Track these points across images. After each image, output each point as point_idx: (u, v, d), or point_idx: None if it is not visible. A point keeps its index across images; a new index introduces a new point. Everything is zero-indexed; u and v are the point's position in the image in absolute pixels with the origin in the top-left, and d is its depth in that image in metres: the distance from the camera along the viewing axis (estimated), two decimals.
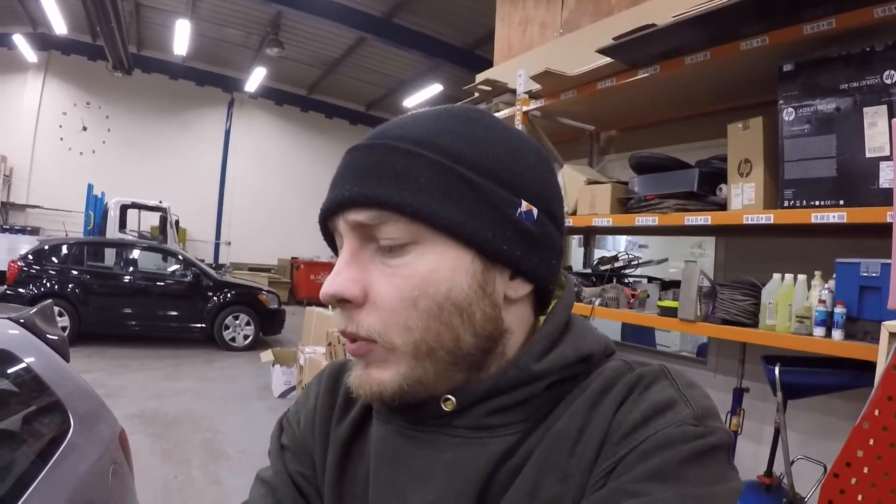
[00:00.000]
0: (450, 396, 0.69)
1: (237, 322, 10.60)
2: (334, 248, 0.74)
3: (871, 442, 1.58)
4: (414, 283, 0.65)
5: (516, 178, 0.69)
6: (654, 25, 2.96)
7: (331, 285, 0.67)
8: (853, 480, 1.55)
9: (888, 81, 2.33)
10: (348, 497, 0.77)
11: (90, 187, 13.78)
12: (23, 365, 2.15)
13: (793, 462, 2.68)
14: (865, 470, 1.55)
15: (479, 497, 0.66)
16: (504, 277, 0.69)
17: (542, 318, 0.75)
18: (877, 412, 1.60)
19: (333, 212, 0.69)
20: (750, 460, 3.24)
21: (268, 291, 11.17)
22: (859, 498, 1.50)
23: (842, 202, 2.46)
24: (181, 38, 14.41)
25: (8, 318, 2.31)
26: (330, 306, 0.73)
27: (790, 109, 2.65)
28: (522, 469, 0.66)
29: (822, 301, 2.48)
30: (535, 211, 0.69)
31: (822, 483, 1.66)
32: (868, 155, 2.39)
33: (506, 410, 0.69)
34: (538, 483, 0.64)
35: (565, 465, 0.64)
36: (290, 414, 0.89)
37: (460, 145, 0.67)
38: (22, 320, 2.34)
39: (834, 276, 2.50)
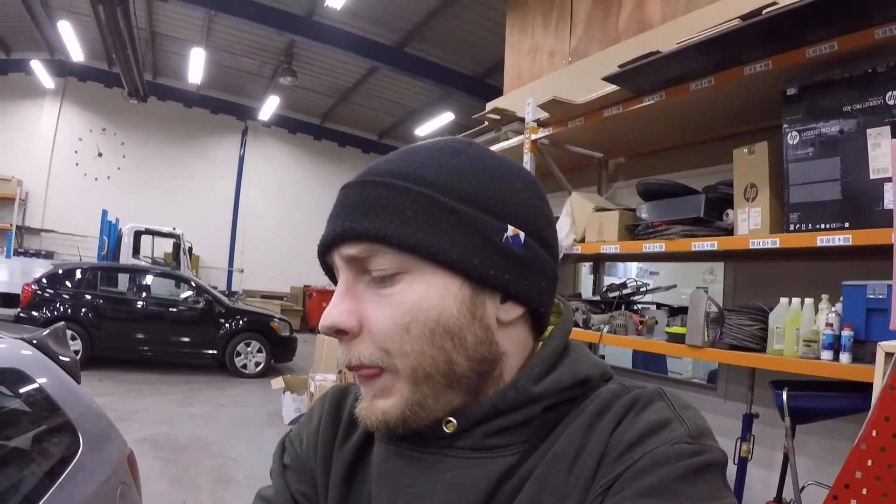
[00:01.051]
0: (451, 418, 0.70)
1: (249, 349, 10.62)
2: (334, 280, 0.76)
3: (870, 463, 1.57)
4: (404, 310, 0.67)
5: (502, 205, 0.71)
6: (658, 52, 2.98)
7: (327, 318, 0.70)
8: (853, 502, 1.54)
9: (891, 102, 2.33)
10: None
11: (104, 213, 13.94)
12: (35, 385, 2.18)
13: (803, 488, 2.65)
14: (864, 491, 1.53)
15: None
16: (494, 301, 0.71)
17: (540, 343, 0.76)
18: (874, 433, 1.59)
19: (329, 247, 0.72)
20: (761, 486, 3.20)
21: (280, 319, 11.20)
22: None
23: (847, 224, 2.45)
24: (196, 66, 14.62)
25: (21, 339, 2.34)
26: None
27: (794, 133, 2.66)
28: (521, 490, 0.67)
29: (829, 324, 2.46)
30: (521, 235, 0.71)
31: None
32: (872, 176, 2.38)
33: (505, 432, 0.70)
34: (537, 503, 0.65)
35: (563, 485, 0.65)
36: (292, 434, 0.90)
37: (445, 177, 0.70)
38: (35, 341, 2.37)
39: (841, 299, 2.49)
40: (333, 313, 0.69)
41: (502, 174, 0.73)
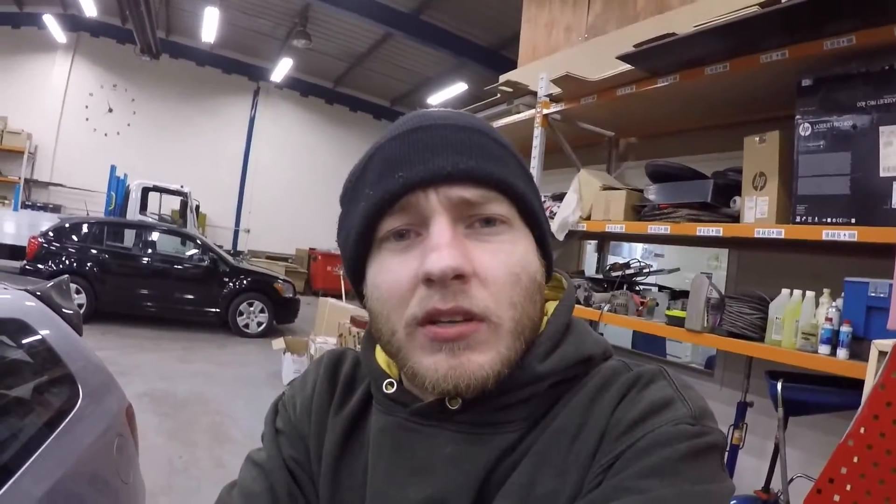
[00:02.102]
0: None
1: (251, 309, 10.68)
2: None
3: (856, 459, 1.58)
4: (516, 259, 0.68)
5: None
6: (674, 35, 2.95)
7: (443, 259, 0.63)
8: (836, 497, 1.55)
9: None
10: (346, 486, 0.77)
11: (113, 168, 13.92)
12: (38, 337, 2.20)
13: (791, 480, 2.66)
14: (848, 487, 1.54)
15: (478, 492, 0.66)
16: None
17: (545, 320, 0.76)
18: (862, 430, 1.60)
19: (427, 184, 0.67)
20: (751, 475, 3.23)
21: (284, 280, 11.24)
22: None
23: (854, 221, 2.44)
24: (209, 25, 14.48)
25: (25, 290, 2.36)
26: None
27: (807, 125, 2.63)
28: (520, 464, 0.67)
29: (828, 319, 2.46)
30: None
31: (805, 499, 1.66)
32: (882, 174, 2.36)
33: (508, 408, 0.70)
34: (535, 477, 0.65)
35: (563, 461, 0.65)
36: (285, 398, 0.88)
37: (504, 142, 0.74)
38: (38, 293, 2.39)
39: (842, 294, 2.49)
40: (455, 255, 0.64)
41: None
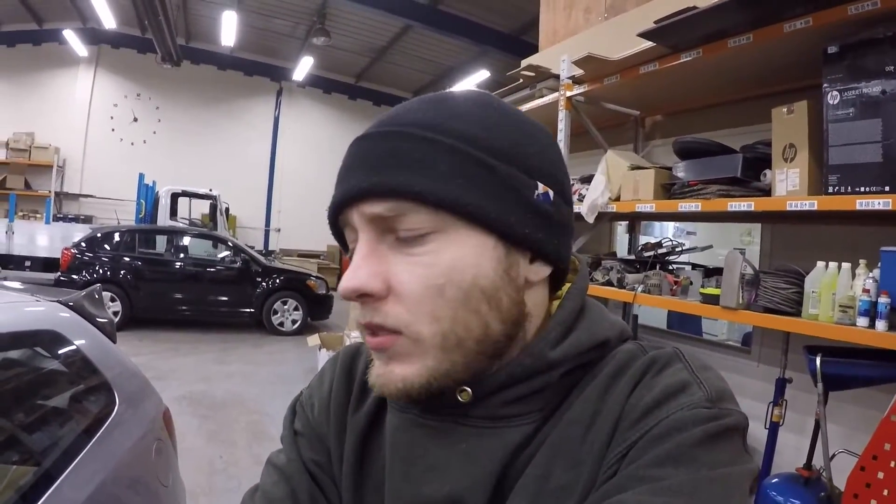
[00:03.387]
0: (466, 388, 0.68)
1: (285, 307, 10.77)
2: (344, 245, 0.73)
3: None
4: (439, 270, 0.63)
5: (531, 161, 0.68)
6: (695, 8, 2.90)
7: (350, 280, 0.65)
8: (880, 474, 1.51)
9: None
10: (368, 486, 0.77)
11: (141, 176, 14.10)
12: (72, 347, 2.23)
13: (833, 456, 2.62)
14: (892, 464, 1.50)
15: (495, 488, 0.65)
16: (525, 261, 0.68)
17: (555, 303, 0.74)
18: None
19: (346, 205, 0.67)
20: (792, 452, 3.18)
21: (316, 277, 11.30)
22: (885, 493, 1.46)
23: (888, 189, 2.38)
24: (228, 29, 14.56)
25: (58, 302, 2.39)
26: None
27: (835, 93, 2.57)
28: (535, 457, 0.66)
29: (866, 290, 2.41)
30: (550, 193, 0.68)
31: (849, 476, 1.62)
32: None
33: (522, 400, 0.68)
34: (550, 470, 0.64)
35: (577, 452, 0.64)
36: (303, 398, 0.88)
37: (476, 129, 0.66)
38: (71, 303, 2.42)
39: (879, 264, 2.43)
40: (358, 276, 0.64)
41: (530, 129, 0.70)
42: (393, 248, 0.66)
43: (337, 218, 0.70)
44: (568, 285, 0.76)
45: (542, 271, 0.70)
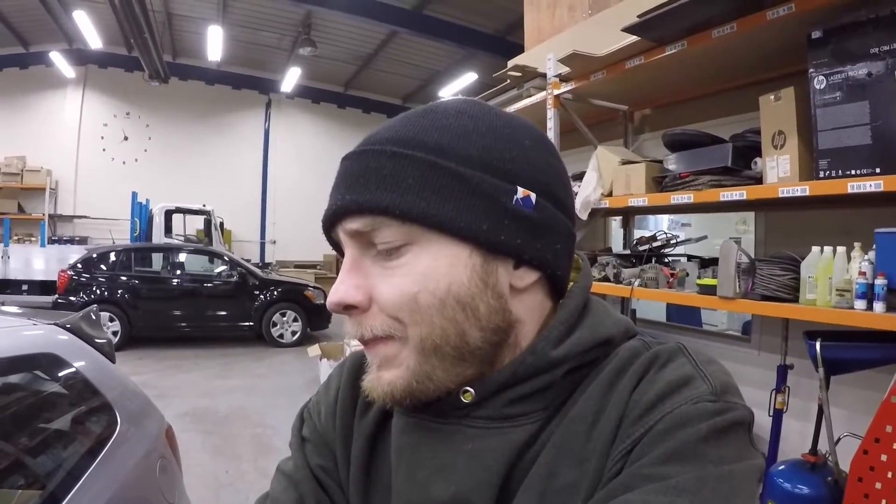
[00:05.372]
0: (468, 388, 0.68)
1: (284, 319, 10.78)
2: (342, 254, 0.74)
3: None
4: (413, 280, 0.65)
5: (509, 165, 0.67)
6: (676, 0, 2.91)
7: (335, 294, 0.68)
8: (883, 457, 1.51)
9: None
10: (375, 489, 0.77)
11: (134, 195, 14.09)
12: (72, 369, 2.22)
13: (838, 440, 2.62)
14: (895, 446, 1.50)
15: (501, 488, 0.65)
16: (507, 267, 0.68)
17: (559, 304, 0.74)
18: None
19: (332, 222, 0.70)
20: (797, 438, 3.19)
21: (314, 287, 11.32)
22: (889, 475, 1.45)
23: (878, 170, 2.38)
24: (214, 44, 14.55)
25: (55, 324, 2.39)
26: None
27: (821, 77, 2.58)
28: (540, 455, 0.66)
29: (862, 273, 2.42)
30: (532, 196, 0.68)
31: (852, 460, 1.62)
32: None
33: (525, 399, 0.68)
34: (555, 468, 0.64)
35: (581, 450, 0.64)
36: (310, 405, 0.89)
37: (447, 139, 0.67)
38: (68, 325, 2.41)
39: (874, 246, 2.44)
40: (341, 289, 0.68)
41: (509, 133, 0.70)
42: (374, 261, 0.68)
43: (330, 233, 0.73)
44: (570, 285, 0.75)
45: (527, 276, 0.70)
